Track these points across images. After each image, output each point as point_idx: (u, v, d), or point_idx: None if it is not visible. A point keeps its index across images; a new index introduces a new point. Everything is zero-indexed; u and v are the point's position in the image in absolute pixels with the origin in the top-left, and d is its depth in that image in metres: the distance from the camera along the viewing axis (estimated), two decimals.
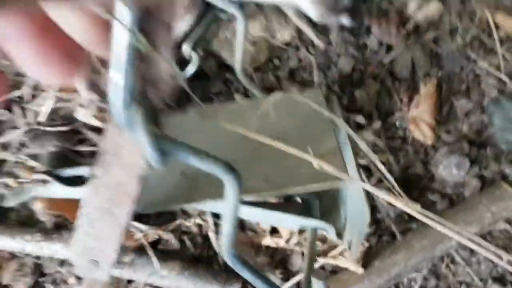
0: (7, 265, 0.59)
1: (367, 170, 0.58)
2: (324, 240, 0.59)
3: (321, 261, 0.58)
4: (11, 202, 0.51)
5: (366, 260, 0.56)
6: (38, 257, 0.59)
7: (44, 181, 0.46)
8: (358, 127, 0.59)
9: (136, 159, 0.33)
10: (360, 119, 0.59)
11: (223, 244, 0.35)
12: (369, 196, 0.50)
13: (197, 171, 0.30)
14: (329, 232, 0.50)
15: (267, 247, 0.60)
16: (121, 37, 0.22)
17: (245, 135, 0.44)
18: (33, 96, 0.59)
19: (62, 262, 0.59)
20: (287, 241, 0.59)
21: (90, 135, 0.57)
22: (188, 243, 0.60)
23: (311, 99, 0.51)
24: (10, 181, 0.57)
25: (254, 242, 0.61)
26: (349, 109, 0.60)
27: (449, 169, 0.58)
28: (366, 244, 0.57)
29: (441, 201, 0.58)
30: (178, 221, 0.59)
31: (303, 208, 0.53)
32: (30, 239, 0.56)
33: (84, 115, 0.55)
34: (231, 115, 0.52)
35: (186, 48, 0.53)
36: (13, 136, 0.58)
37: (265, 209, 0.49)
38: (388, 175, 0.43)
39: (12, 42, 0.16)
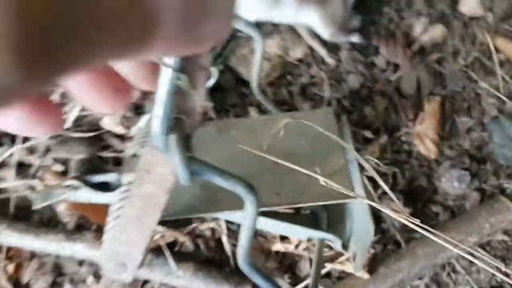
0: (28, 264, 0.63)
1: (373, 181, 0.62)
2: (331, 247, 0.62)
3: (328, 266, 0.62)
4: (39, 205, 0.55)
5: (372, 266, 0.60)
6: (57, 257, 0.62)
7: (75, 187, 0.50)
8: (365, 141, 0.64)
9: (166, 176, 0.38)
10: (368, 133, 0.64)
11: (239, 254, 0.39)
12: (375, 208, 0.54)
13: (216, 184, 0.34)
14: (335, 243, 0.54)
15: (277, 252, 0.64)
16: (165, 76, 0.26)
17: (260, 147, 0.49)
18: (61, 103, 0.64)
19: (81, 262, 0.63)
20: (296, 246, 0.63)
21: (113, 142, 0.61)
22: (202, 246, 0.63)
23: (322, 117, 0.56)
24: (36, 184, 0.61)
25: (264, 247, 0.64)
26: (358, 124, 0.64)
27: (451, 182, 0.62)
28: (372, 251, 0.60)
29: (443, 213, 0.62)
30: (193, 225, 0.62)
31: (311, 219, 0.56)
32: (53, 239, 0.60)
33: (109, 123, 0.59)
34: (246, 130, 0.56)
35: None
36: (39, 141, 0.62)
37: (275, 220, 0.53)
38: (390, 193, 0.47)
39: (72, 80, 0.18)
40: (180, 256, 0.61)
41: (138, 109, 0.62)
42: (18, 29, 0.09)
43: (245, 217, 0.37)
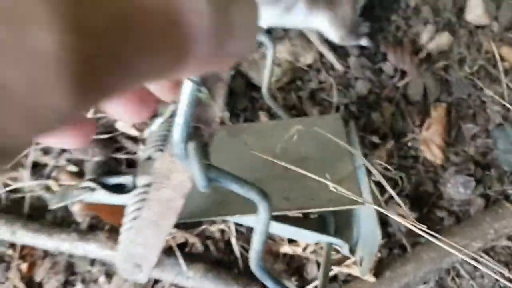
0: (41, 263, 0.64)
1: (380, 186, 0.64)
2: (339, 250, 0.64)
3: (335, 269, 0.63)
4: (55, 205, 0.56)
5: (378, 270, 0.62)
6: (70, 256, 0.64)
7: (91, 189, 0.52)
8: (373, 146, 0.66)
9: (184, 182, 0.40)
10: (375, 138, 0.65)
11: (252, 258, 0.41)
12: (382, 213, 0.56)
13: (227, 189, 0.36)
14: (343, 248, 0.56)
15: (284, 254, 0.66)
16: (187, 89, 0.28)
17: (271, 152, 0.51)
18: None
19: (93, 262, 0.64)
20: (304, 249, 0.64)
21: (127, 143, 0.62)
22: (211, 247, 0.65)
23: (331, 123, 0.58)
24: (51, 184, 0.62)
25: (273, 249, 0.66)
26: (365, 129, 0.66)
27: (456, 188, 0.64)
28: (378, 255, 0.62)
29: (448, 218, 0.64)
30: (203, 227, 0.64)
31: (320, 224, 0.58)
32: (66, 239, 0.61)
33: (123, 125, 0.61)
34: (257, 135, 0.58)
35: None
36: None
37: (284, 224, 0.54)
38: (397, 198, 0.49)
39: None
40: (191, 257, 0.63)
41: None
42: (69, 61, 0.10)
43: (258, 222, 0.38)
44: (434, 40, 0.69)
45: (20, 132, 0.09)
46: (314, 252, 0.64)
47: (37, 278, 0.64)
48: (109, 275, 0.64)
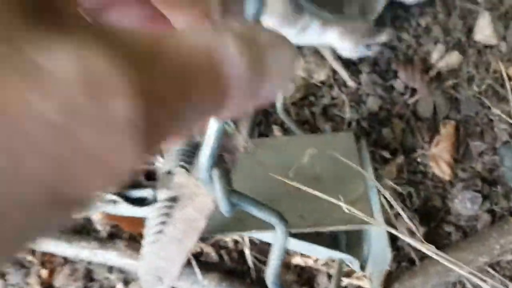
0: (61, 269, 0.68)
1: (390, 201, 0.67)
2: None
3: (345, 281, 0.66)
4: (78, 215, 0.59)
5: (387, 283, 0.65)
6: (89, 263, 0.67)
7: (114, 201, 0.55)
8: (383, 161, 0.69)
9: (207, 204, 0.43)
10: (386, 154, 0.69)
11: (269, 275, 0.44)
12: (392, 225, 0.59)
13: None
14: (354, 264, 0.59)
15: (296, 265, 0.69)
16: (215, 122, 0.32)
17: (287, 169, 0.54)
18: None
19: (111, 269, 0.68)
20: (315, 261, 0.67)
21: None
22: (225, 257, 0.68)
23: (343, 141, 0.61)
24: None
25: (285, 260, 0.69)
26: (376, 144, 0.69)
27: (464, 204, 0.67)
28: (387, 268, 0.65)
29: (455, 232, 0.67)
30: (217, 237, 0.67)
31: (331, 240, 0.61)
32: (86, 246, 0.65)
33: None
34: (270, 151, 0.61)
35: None
36: None
37: (297, 239, 0.57)
38: (406, 218, 0.52)
39: None
40: (206, 266, 0.66)
41: None
42: (141, 124, 0.11)
43: (275, 243, 0.42)
44: (444, 59, 0.72)
45: (97, 185, 0.11)
46: (325, 264, 0.67)
47: (57, 284, 0.67)
48: (127, 282, 0.67)
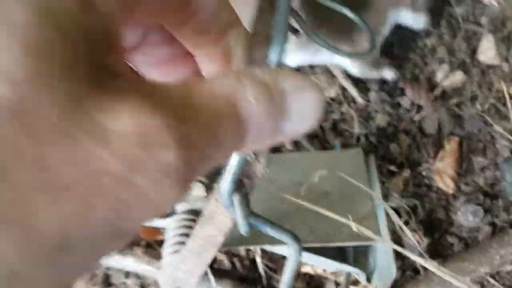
0: None
1: (397, 213, 0.72)
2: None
3: None
4: None
5: None
6: (107, 268, 0.71)
7: None
8: (390, 174, 0.73)
9: (226, 223, 0.48)
10: (393, 167, 0.73)
11: None
12: (397, 235, 0.64)
13: None
14: (360, 276, 0.63)
15: (305, 274, 0.73)
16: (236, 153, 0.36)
17: (298, 185, 0.58)
18: None
19: (128, 274, 0.72)
20: (324, 270, 0.72)
21: None
22: (237, 264, 0.72)
23: (353, 157, 0.65)
24: None
25: None
26: (384, 158, 0.74)
27: (466, 216, 0.72)
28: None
29: (458, 243, 0.71)
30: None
31: (339, 252, 0.65)
32: None
33: None
34: (281, 167, 0.66)
35: None
36: None
37: (307, 252, 0.61)
38: (410, 235, 0.56)
39: None
40: (219, 273, 0.70)
41: None
42: (183, 170, 0.13)
43: (289, 261, 0.46)
44: (448, 78, 0.76)
45: (144, 219, 0.13)
46: (333, 273, 0.71)
47: None
48: (143, 287, 0.71)
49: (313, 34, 0.59)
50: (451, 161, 0.74)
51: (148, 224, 0.62)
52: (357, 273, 0.62)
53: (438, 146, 0.75)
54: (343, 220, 0.50)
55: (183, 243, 0.58)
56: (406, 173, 0.73)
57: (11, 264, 0.11)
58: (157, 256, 0.69)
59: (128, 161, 0.12)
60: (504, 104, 0.75)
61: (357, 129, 0.75)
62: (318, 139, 0.75)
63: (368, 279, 0.63)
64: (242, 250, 0.73)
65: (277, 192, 0.59)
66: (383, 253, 0.60)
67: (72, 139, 0.11)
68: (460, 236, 0.72)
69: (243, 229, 0.41)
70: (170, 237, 0.60)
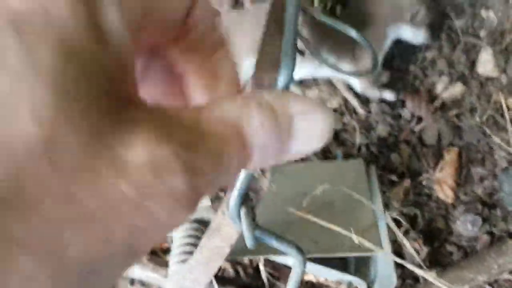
0: None
1: (397, 221, 0.74)
2: None
3: None
4: None
5: None
6: None
7: None
8: (391, 184, 0.75)
9: (232, 235, 0.50)
10: (393, 177, 0.75)
11: None
12: (398, 244, 0.66)
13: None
14: (361, 285, 0.65)
15: (307, 282, 0.75)
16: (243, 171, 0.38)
17: (302, 196, 0.60)
18: None
19: (133, 281, 0.74)
20: (326, 278, 0.74)
21: None
22: (241, 272, 0.74)
23: (354, 168, 0.67)
24: None
25: None
26: (384, 168, 0.76)
27: (465, 225, 0.74)
28: None
29: (457, 252, 0.74)
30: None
31: (341, 261, 0.68)
32: None
33: None
34: (287, 178, 0.68)
35: None
36: None
37: (309, 261, 0.63)
38: (411, 250, 0.59)
39: None
40: (223, 281, 0.72)
41: None
42: (192, 195, 0.14)
43: (293, 271, 0.48)
44: (448, 90, 0.79)
45: (156, 239, 0.15)
46: (335, 282, 0.74)
47: None
48: None
49: (318, 54, 0.62)
50: (450, 171, 0.76)
51: None
52: (359, 283, 0.64)
53: (438, 156, 0.77)
54: (345, 232, 0.52)
55: (190, 252, 0.60)
56: (407, 182, 0.76)
57: None
58: (162, 264, 0.71)
59: (142, 188, 0.13)
60: (502, 116, 0.78)
61: (358, 139, 0.78)
62: (320, 148, 0.77)
63: None
64: (246, 258, 0.75)
65: (281, 203, 0.61)
66: (383, 263, 0.62)
67: (94, 171, 0.12)
68: (459, 245, 0.75)
69: (249, 242, 0.43)
70: (177, 247, 0.62)
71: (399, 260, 0.54)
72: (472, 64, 0.80)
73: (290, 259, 0.48)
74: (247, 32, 0.67)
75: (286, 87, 0.24)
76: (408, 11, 0.70)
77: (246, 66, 0.67)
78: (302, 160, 0.76)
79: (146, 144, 0.13)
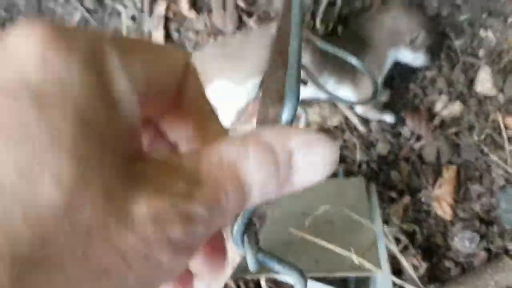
0: None
1: (396, 238, 0.77)
2: None
3: None
4: None
5: None
6: None
7: None
8: (391, 201, 0.78)
9: (235, 258, 0.53)
10: (393, 194, 0.78)
11: None
12: (397, 260, 0.69)
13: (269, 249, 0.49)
14: None
15: None
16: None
17: (303, 214, 0.63)
18: None
19: None
20: None
21: None
22: (243, 287, 0.77)
23: (355, 186, 0.70)
24: None
25: None
26: (385, 185, 0.79)
27: (463, 242, 0.77)
28: None
29: (454, 268, 0.76)
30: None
31: (341, 281, 0.70)
32: None
33: None
34: (289, 196, 0.70)
35: None
36: None
37: (310, 280, 0.66)
38: (410, 270, 0.61)
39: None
40: None
41: None
42: (186, 238, 0.15)
43: None
44: (447, 108, 0.82)
45: (162, 282, 0.17)
46: None
47: None
48: None
49: (319, 84, 0.64)
50: (449, 189, 0.79)
51: None
52: None
53: (437, 173, 0.80)
54: (346, 253, 0.55)
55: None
56: (406, 199, 0.78)
57: None
58: None
59: (147, 239, 0.14)
60: (500, 134, 0.81)
61: (359, 156, 0.80)
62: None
63: None
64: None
65: (282, 221, 0.64)
66: (382, 282, 0.65)
67: (107, 228, 0.14)
68: (457, 261, 0.77)
69: (251, 267, 0.46)
70: None
71: (398, 281, 0.57)
72: (471, 83, 0.83)
73: (291, 278, 0.51)
74: (251, 53, 0.70)
75: (291, 121, 0.26)
76: (408, 35, 0.73)
77: (250, 87, 0.71)
78: None
79: (149, 199, 0.14)
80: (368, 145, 0.81)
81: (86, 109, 0.14)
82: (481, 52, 0.84)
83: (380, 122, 0.81)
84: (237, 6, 0.82)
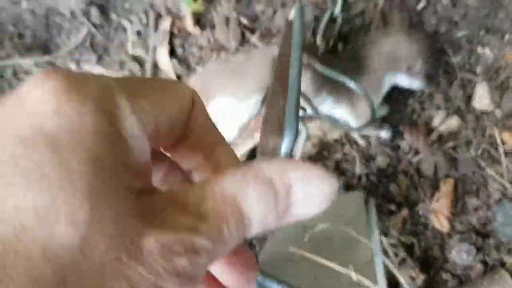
0: None
1: (394, 247, 0.79)
2: None
3: None
4: None
5: None
6: None
7: None
8: (389, 213, 0.81)
9: None
10: (392, 206, 0.81)
11: None
12: (393, 274, 0.72)
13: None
14: None
15: None
16: None
17: (303, 229, 0.66)
18: None
19: None
20: None
21: None
22: None
23: (354, 201, 0.73)
24: None
25: None
26: (383, 198, 0.82)
27: (460, 254, 0.79)
28: None
29: (451, 280, 0.79)
30: None
31: None
32: None
33: None
34: None
35: None
36: None
37: None
38: (406, 285, 0.64)
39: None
40: None
41: None
42: (192, 268, 0.16)
43: None
44: (445, 123, 0.85)
45: None
46: None
47: None
48: None
49: (317, 111, 0.67)
50: (446, 202, 0.82)
51: None
52: None
53: (435, 187, 0.83)
54: (344, 270, 0.57)
55: None
56: (405, 212, 0.81)
57: None
58: None
59: (155, 270, 0.15)
60: (497, 149, 0.83)
61: (358, 169, 0.83)
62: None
63: None
64: None
65: (281, 236, 0.67)
66: None
67: (119, 260, 0.15)
68: (454, 273, 0.80)
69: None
70: None
71: None
72: (468, 99, 0.86)
73: None
74: (253, 70, 0.73)
75: (289, 153, 0.25)
76: (405, 62, 0.76)
77: (252, 103, 0.74)
78: None
79: (157, 233, 0.16)
80: (368, 158, 0.84)
81: (98, 153, 0.16)
82: (478, 69, 0.87)
83: (379, 136, 0.84)
84: (239, 23, 0.86)
